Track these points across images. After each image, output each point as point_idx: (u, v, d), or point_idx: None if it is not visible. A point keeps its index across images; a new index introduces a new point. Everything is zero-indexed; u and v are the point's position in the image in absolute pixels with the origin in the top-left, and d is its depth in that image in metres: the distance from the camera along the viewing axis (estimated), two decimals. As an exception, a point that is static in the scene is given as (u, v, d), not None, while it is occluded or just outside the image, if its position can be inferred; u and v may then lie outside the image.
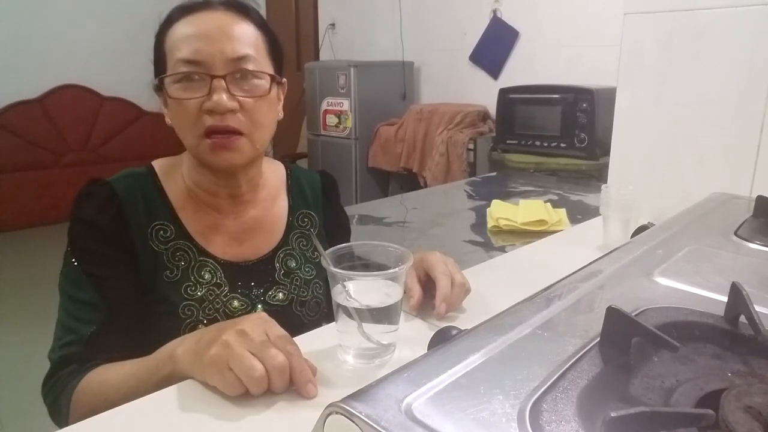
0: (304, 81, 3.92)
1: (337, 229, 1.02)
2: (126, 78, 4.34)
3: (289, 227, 0.94)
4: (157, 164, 0.89)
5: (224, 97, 0.77)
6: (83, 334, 0.76)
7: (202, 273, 0.84)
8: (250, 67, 0.80)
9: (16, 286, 3.27)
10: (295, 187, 0.98)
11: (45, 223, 4.02)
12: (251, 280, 0.88)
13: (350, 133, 3.64)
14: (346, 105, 3.61)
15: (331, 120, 3.73)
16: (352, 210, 1.73)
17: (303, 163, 4.03)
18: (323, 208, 1.00)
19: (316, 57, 4.50)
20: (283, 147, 4.57)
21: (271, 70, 0.84)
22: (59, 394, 0.73)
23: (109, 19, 4.54)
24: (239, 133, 0.80)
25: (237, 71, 0.79)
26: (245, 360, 0.57)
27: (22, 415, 2.05)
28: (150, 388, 0.63)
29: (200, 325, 0.81)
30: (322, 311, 0.94)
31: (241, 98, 0.79)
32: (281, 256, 0.91)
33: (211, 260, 0.85)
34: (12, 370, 2.37)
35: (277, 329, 0.63)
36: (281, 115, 0.89)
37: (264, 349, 0.58)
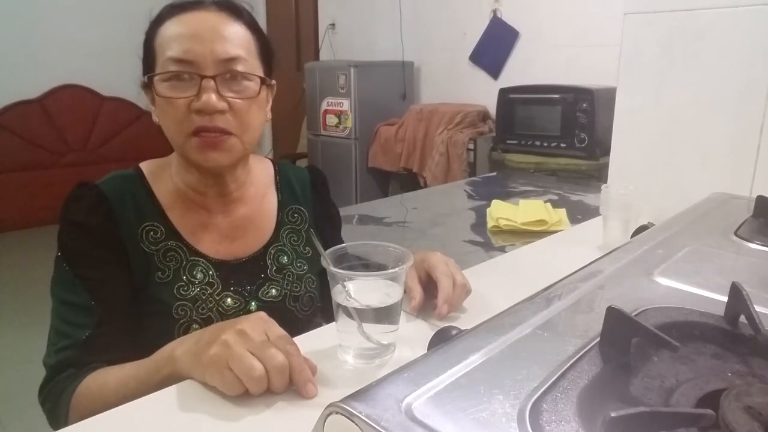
0: (304, 81, 3.92)
1: (327, 224, 1.02)
2: (126, 78, 4.29)
3: (280, 223, 0.94)
4: (145, 166, 0.89)
5: (213, 97, 0.77)
6: (78, 338, 0.75)
7: (194, 272, 0.84)
8: (240, 68, 0.80)
9: (16, 286, 3.27)
10: (283, 182, 0.98)
11: (45, 223, 4.01)
12: (243, 278, 0.88)
13: (350, 133, 3.64)
14: (346, 105, 3.61)
15: (331, 120, 3.73)
16: (352, 210, 1.73)
17: (303, 163, 4.03)
18: (312, 202, 1.00)
19: (316, 57, 4.49)
20: (283, 147, 4.57)
21: (261, 72, 0.84)
22: (58, 399, 0.72)
23: (109, 19, 4.53)
24: (228, 133, 0.79)
25: (227, 72, 0.79)
26: (245, 360, 0.57)
27: (22, 415, 2.05)
28: (149, 389, 0.63)
29: (194, 325, 0.81)
30: (316, 306, 0.94)
31: (230, 99, 0.79)
32: (272, 252, 0.92)
33: (202, 259, 0.85)
34: (12, 370, 2.37)
35: (276, 329, 0.63)
36: (269, 116, 0.89)
37: (264, 349, 0.58)
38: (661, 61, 1.21)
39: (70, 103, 4.42)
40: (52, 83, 4.35)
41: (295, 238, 0.95)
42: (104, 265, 0.79)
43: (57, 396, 0.73)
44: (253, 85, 0.82)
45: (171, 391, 0.61)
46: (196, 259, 0.85)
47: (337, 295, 0.65)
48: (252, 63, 0.82)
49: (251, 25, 0.85)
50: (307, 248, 0.95)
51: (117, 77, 4.40)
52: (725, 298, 0.49)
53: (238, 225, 0.90)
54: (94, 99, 4.53)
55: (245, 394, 0.58)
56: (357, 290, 0.66)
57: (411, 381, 0.39)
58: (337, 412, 0.36)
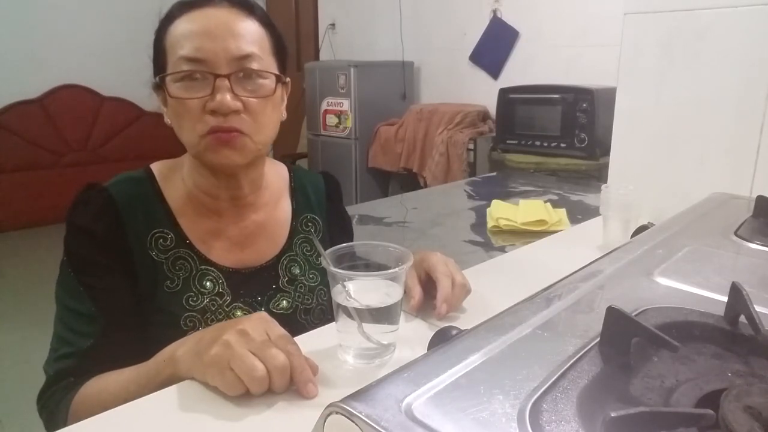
0: (304, 81, 3.92)
1: (341, 233, 1.00)
2: (126, 78, 4.34)
3: (293, 232, 0.91)
4: (156, 167, 0.86)
5: (228, 97, 0.74)
6: (80, 347, 0.74)
7: (204, 282, 0.81)
8: (255, 66, 0.77)
9: (16, 286, 3.27)
10: (298, 189, 0.95)
11: (45, 224, 4.02)
12: (254, 288, 0.85)
13: (350, 133, 3.64)
14: (346, 105, 3.61)
15: (331, 120, 3.73)
16: (352, 210, 1.73)
17: (303, 163, 4.03)
18: (327, 211, 0.98)
19: (316, 57, 4.50)
20: (283, 147, 4.56)
21: (275, 70, 0.81)
22: (56, 408, 0.72)
23: (109, 18, 4.54)
24: (242, 132, 0.77)
25: (241, 70, 0.76)
26: (246, 360, 0.57)
27: (22, 415, 2.05)
28: (150, 392, 0.62)
29: None
30: (327, 318, 0.91)
31: (245, 98, 0.76)
32: (285, 262, 0.89)
33: (212, 268, 0.83)
34: (12, 370, 2.37)
35: (277, 329, 0.63)
36: (284, 115, 0.86)
37: (265, 349, 0.58)
38: (661, 61, 1.21)
39: (70, 103, 4.42)
40: (52, 83, 4.35)
41: (308, 248, 0.92)
42: (109, 273, 0.77)
43: (55, 405, 0.72)
44: (269, 83, 0.79)
45: (171, 391, 0.61)
46: (207, 268, 0.82)
47: (337, 295, 0.65)
48: (266, 60, 0.79)
49: (264, 20, 0.82)
50: (320, 258, 0.93)
51: (117, 77, 4.41)
52: (725, 298, 0.49)
53: (249, 232, 0.87)
54: (94, 99, 4.54)
55: (246, 394, 0.58)
56: (357, 290, 0.66)
57: (411, 381, 0.39)
58: (337, 412, 0.36)
